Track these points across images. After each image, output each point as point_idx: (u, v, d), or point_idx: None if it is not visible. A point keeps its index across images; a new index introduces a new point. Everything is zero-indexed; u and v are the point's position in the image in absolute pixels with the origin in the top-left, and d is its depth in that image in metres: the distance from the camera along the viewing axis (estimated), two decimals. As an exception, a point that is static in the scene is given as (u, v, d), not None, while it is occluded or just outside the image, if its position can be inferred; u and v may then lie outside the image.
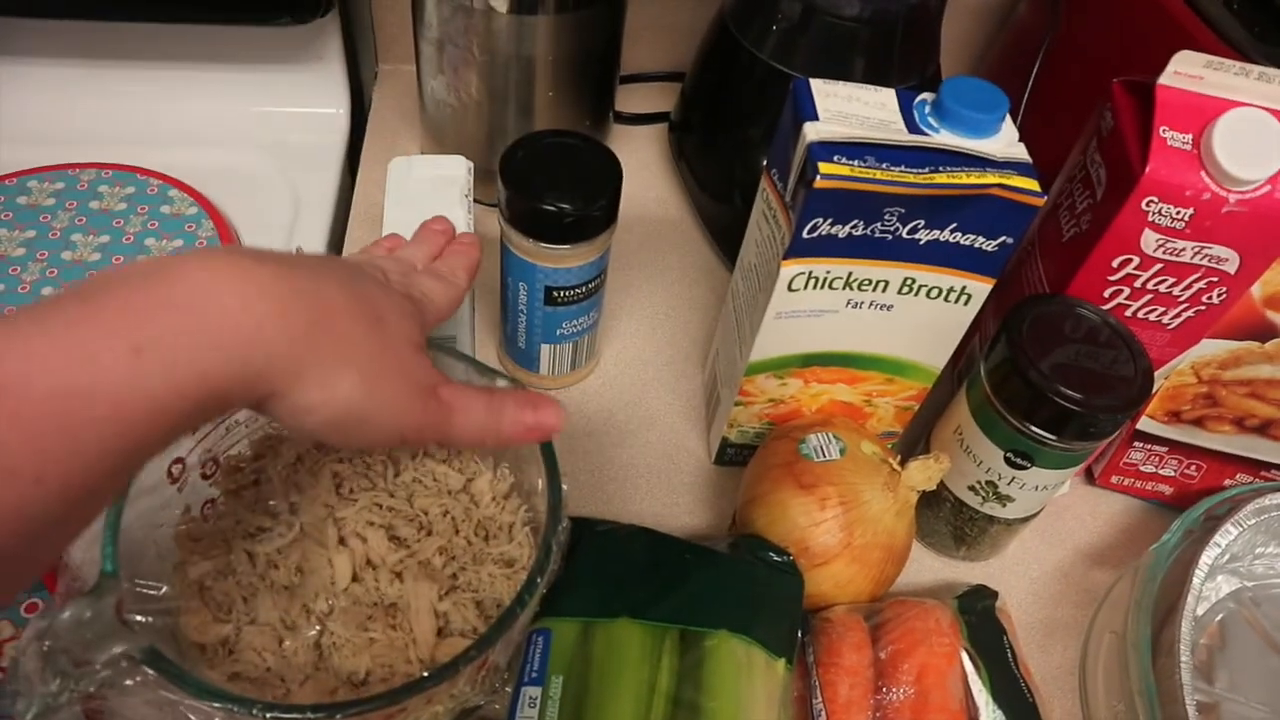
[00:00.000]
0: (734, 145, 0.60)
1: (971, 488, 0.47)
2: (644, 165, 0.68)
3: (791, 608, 0.42)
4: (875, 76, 0.57)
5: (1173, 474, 0.55)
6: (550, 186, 0.46)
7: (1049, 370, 0.42)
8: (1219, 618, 0.52)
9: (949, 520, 0.50)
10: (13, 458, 0.22)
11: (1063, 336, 0.44)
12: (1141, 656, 0.45)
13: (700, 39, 0.63)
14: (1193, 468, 0.55)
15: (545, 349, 0.53)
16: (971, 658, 0.43)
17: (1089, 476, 0.57)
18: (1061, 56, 0.61)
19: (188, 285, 0.26)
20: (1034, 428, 0.43)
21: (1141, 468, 0.55)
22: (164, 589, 0.36)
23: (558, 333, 0.52)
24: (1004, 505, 0.47)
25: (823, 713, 0.41)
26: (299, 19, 0.58)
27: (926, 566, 0.52)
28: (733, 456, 0.52)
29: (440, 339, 0.53)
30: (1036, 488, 0.46)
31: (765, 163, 0.44)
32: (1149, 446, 0.54)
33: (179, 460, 0.39)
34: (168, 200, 0.57)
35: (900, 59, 0.57)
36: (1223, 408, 0.52)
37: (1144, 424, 0.53)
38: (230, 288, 0.27)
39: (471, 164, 0.53)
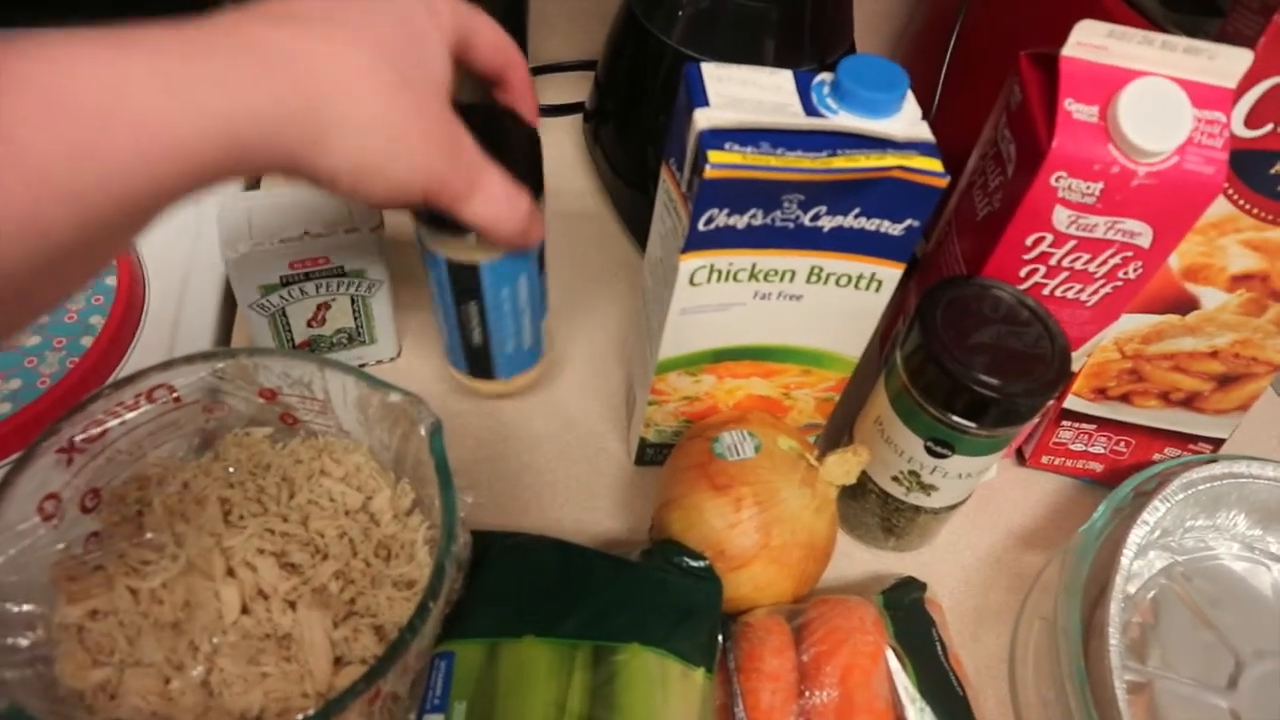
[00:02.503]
0: (647, 134, 0.59)
1: (895, 478, 0.46)
2: (561, 157, 0.66)
3: (709, 614, 0.41)
4: (787, 58, 0.55)
5: (1103, 451, 0.55)
6: None
7: (965, 356, 0.41)
8: (1151, 594, 0.52)
9: (876, 512, 0.49)
10: (44, 161, 0.22)
11: (978, 319, 0.43)
12: (1071, 642, 0.44)
13: (609, 26, 0.61)
14: (1122, 444, 0.54)
15: (544, 324, 0.50)
16: (897, 654, 0.42)
17: (1019, 458, 0.57)
18: (977, 31, 0.60)
19: (222, 38, 0.27)
20: (953, 416, 0.42)
21: (1071, 446, 0.55)
22: (32, 637, 0.34)
23: (546, 299, 0.49)
24: (929, 494, 0.46)
25: (745, 720, 0.40)
26: (197, 5, 0.56)
27: (857, 559, 0.51)
28: (652, 456, 0.51)
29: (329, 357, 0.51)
30: (960, 475, 0.45)
31: (663, 153, 0.43)
32: (1077, 425, 0.53)
33: (52, 496, 0.37)
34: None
35: (812, 39, 0.55)
36: (1148, 382, 0.51)
37: (1071, 402, 0.52)
38: (267, 37, 0.28)
39: None
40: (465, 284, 0.45)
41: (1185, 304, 0.48)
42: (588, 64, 0.68)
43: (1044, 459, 0.55)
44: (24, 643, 0.33)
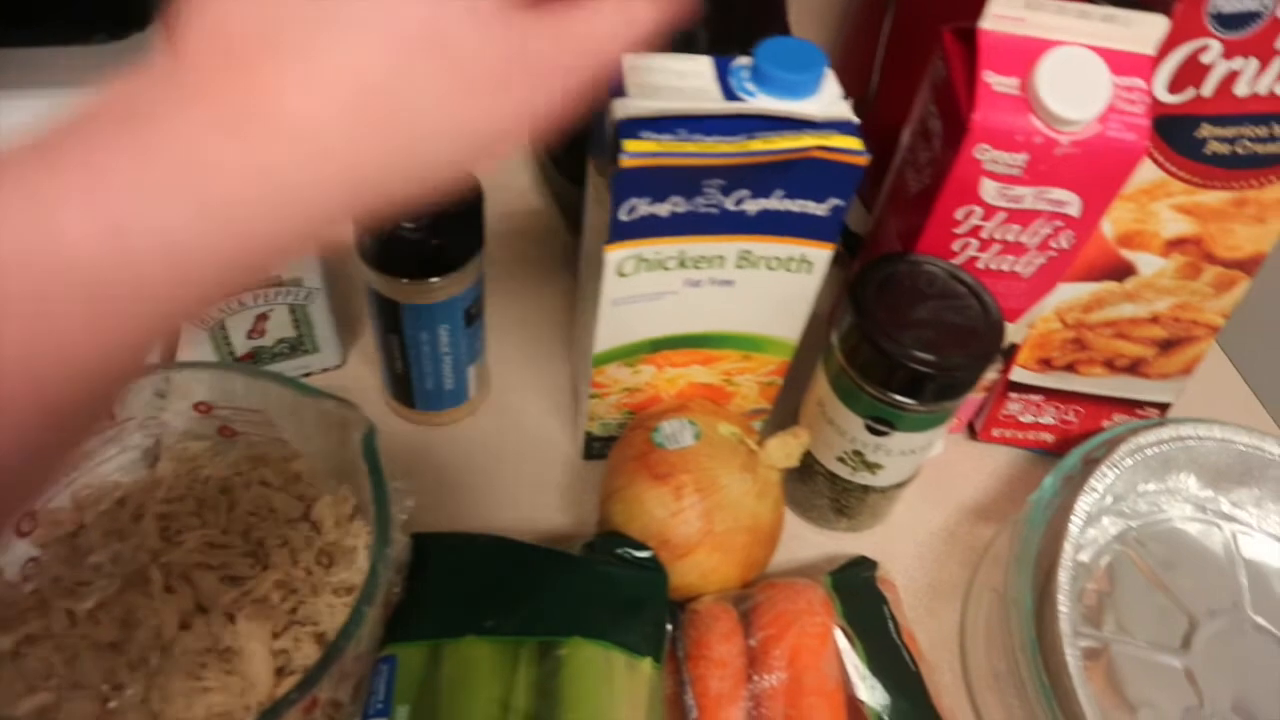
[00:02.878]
0: (586, 129, 0.58)
1: (840, 459, 0.46)
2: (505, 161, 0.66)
3: (655, 604, 0.41)
4: (719, 47, 0.55)
5: (1052, 421, 0.55)
6: (420, 223, 0.41)
7: (898, 333, 0.41)
8: (1106, 561, 0.52)
9: (825, 493, 0.49)
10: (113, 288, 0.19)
11: (910, 295, 0.43)
12: (1022, 612, 0.44)
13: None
14: (1071, 413, 0.55)
15: (472, 371, 0.51)
16: (846, 634, 0.42)
17: (971, 432, 0.57)
18: (911, 10, 0.60)
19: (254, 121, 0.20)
20: (890, 394, 0.42)
21: (1021, 418, 0.55)
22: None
23: (477, 348, 0.50)
24: (875, 473, 0.46)
25: (694, 709, 0.40)
26: (116, 35, 0.55)
27: (810, 542, 0.51)
28: (598, 450, 0.51)
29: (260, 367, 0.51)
30: (904, 452, 0.45)
31: (588, 147, 0.43)
32: (1025, 397, 0.54)
33: (-15, 519, 0.37)
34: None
35: (743, 27, 0.55)
36: (1092, 350, 0.52)
37: (1017, 374, 0.53)
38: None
39: None
40: (389, 317, 0.45)
41: (1122, 271, 0.48)
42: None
43: (994, 432, 0.56)
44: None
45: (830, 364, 0.44)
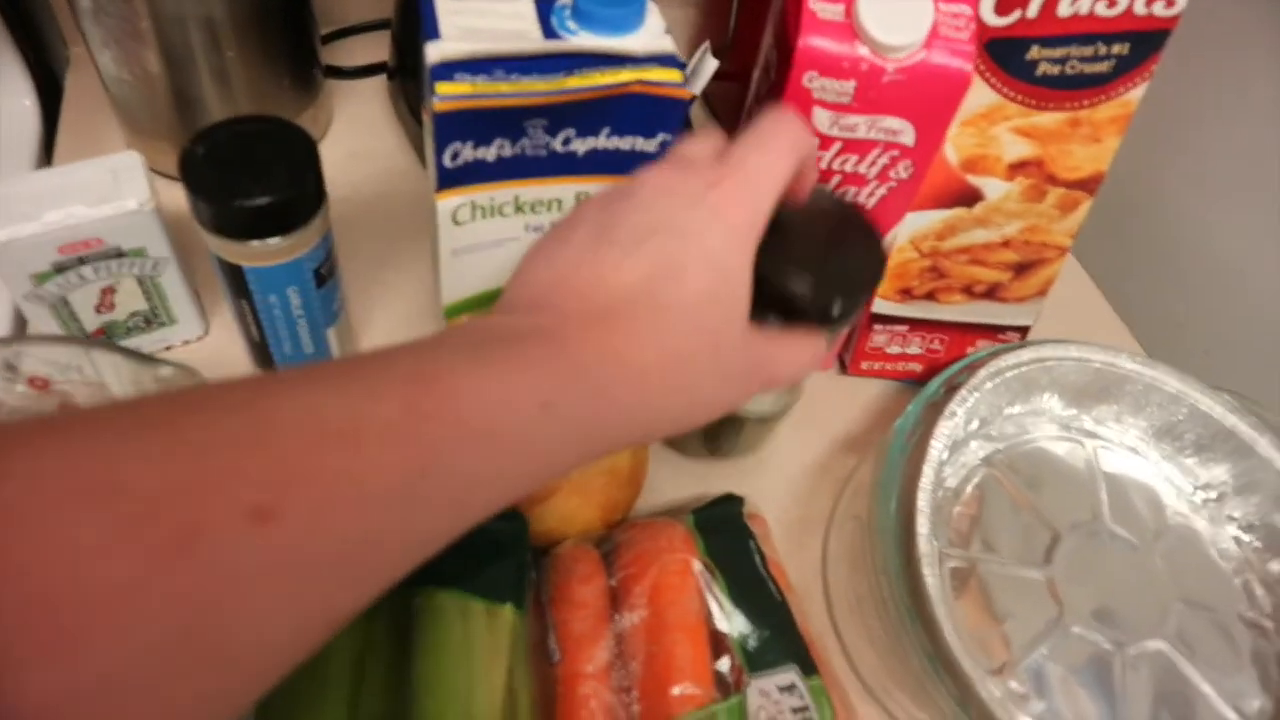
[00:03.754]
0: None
1: None
2: (370, 118, 0.65)
3: (514, 551, 0.41)
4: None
5: (919, 351, 0.56)
6: (251, 182, 0.41)
7: (773, 262, 0.39)
8: (974, 484, 0.53)
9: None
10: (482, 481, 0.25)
11: (790, 223, 0.41)
12: (885, 537, 0.45)
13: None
14: (936, 342, 0.56)
15: (332, 334, 0.50)
16: (708, 568, 0.43)
17: (841, 366, 0.58)
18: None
19: (599, 358, 0.27)
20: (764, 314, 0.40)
21: (888, 350, 0.56)
22: None
23: (334, 309, 0.49)
24: (749, 400, 0.45)
25: (557, 650, 0.40)
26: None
27: (682, 484, 0.51)
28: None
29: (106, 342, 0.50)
30: None
31: (420, 98, 0.42)
32: (889, 328, 0.55)
33: None
34: None
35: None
36: (949, 278, 0.53)
37: (879, 305, 0.53)
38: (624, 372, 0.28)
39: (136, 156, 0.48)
40: (235, 282, 0.44)
41: (970, 196, 0.49)
42: (383, 23, 0.67)
43: (864, 364, 0.57)
44: None
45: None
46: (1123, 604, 0.48)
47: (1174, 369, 0.52)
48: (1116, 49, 0.44)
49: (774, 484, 0.52)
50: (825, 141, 0.43)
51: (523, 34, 0.38)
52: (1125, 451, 0.55)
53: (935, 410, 0.50)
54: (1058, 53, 0.44)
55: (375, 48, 0.68)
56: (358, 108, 0.65)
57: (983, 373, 0.50)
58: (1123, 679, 0.46)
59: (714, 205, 0.30)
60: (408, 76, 0.62)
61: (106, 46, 0.54)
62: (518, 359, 0.26)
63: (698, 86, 0.49)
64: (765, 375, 0.33)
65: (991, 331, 0.55)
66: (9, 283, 0.45)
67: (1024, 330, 0.56)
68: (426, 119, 0.41)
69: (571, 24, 0.38)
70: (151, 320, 0.51)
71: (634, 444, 0.31)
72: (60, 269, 0.45)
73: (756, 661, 0.41)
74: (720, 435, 0.49)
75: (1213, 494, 0.53)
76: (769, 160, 0.31)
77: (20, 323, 0.53)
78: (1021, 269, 0.52)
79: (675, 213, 0.30)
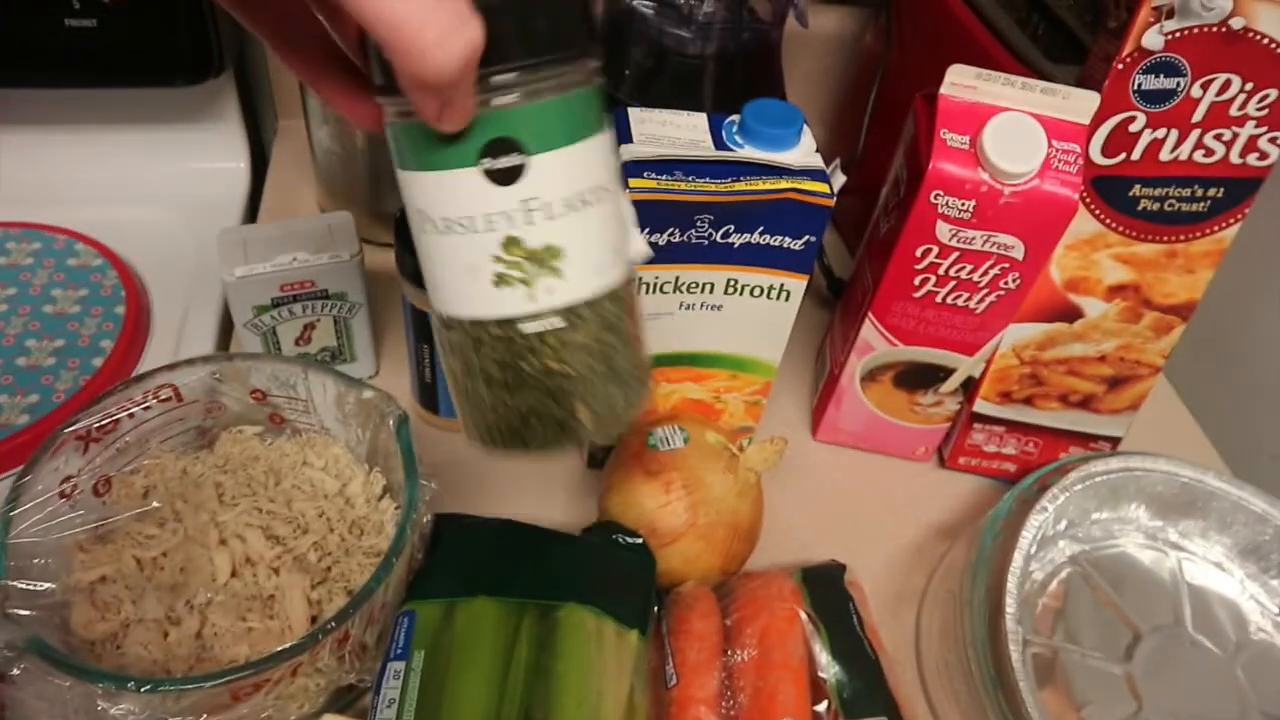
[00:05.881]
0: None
1: (500, 281, 0.28)
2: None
3: (644, 584, 0.47)
4: (724, 107, 0.62)
5: (1014, 452, 0.60)
6: None
7: None
8: (1059, 579, 0.57)
9: (531, 373, 0.31)
10: None
11: None
12: (974, 610, 0.49)
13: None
14: (1030, 444, 0.60)
15: None
16: (812, 619, 0.48)
17: (940, 461, 0.62)
18: (895, 79, 0.67)
19: None
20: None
21: (984, 448, 0.60)
22: (51, 587, 0.40)
23: None
24: (558, 273, 0.28)
25: (673, 675, 0.45)
26: (192, 80, 0.63)
27: (787, 548, 0.56)
28: (601, 459, 0.57)
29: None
30: (571, 202, 0.27)
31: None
32: (988, 427, 0.59)
33: (70, 478, 0.43)
34: (74, 254, 0.61)
35: (743, 90, 0.63)
36: (1047, 386, 0.57)
37: (980, 406, 0.58)
38: None
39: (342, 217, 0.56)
40: (421, 327, 0.52)
41: (1071, 313, 0.54)
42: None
43: (961, 460, 0.61)
44: (43, 587, 0.39)
45: (392, 131, 0.30)
46: (1202, 709, 0.51)
47: (1261, 490, 0.55)
48: (1213, 192, 0.49)
49: (871, 559, 0.56)
50: (945, 250, 0.49)
51: (697, 144, 0.45)
52: (1209, 566, 0.57)
53: (1028, 504, 0.54)
54: (1158, 192, 0.50)
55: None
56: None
57: (1074, 475, 0.54)
58: (1199, 780, 0.48)
59: None
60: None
61: (325, 123, 0.64)
62: None
63: (829, 197, 0.56)
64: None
65: (1084, 439, 0.60)
66: (236, 310, 0.53)
67: (1115, 441, 0.60)
68: (605, 205, 0.48)
69: (739, 138, 0.45)
70: (336, 356, 0.59)
71: None
72: (277, 304, 0.54)
73: (851, 709, 0.45)
74: (554, 373, 0.31)
75: (1296, 615, 0.55)
76: None
77: (223, 345, 0.62)
78: (1115, 383, 0.57)
79: None
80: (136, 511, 0.45)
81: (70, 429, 0.42)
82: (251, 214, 0.72)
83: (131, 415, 0.45)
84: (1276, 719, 0.50)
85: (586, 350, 0.31)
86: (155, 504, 0.45)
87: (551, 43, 0.28)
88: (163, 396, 0.45)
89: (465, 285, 0.30)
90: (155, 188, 0.69)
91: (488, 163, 0.28)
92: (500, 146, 0.28)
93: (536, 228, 0.29)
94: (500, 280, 0.29)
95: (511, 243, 0.29)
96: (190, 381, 0.46)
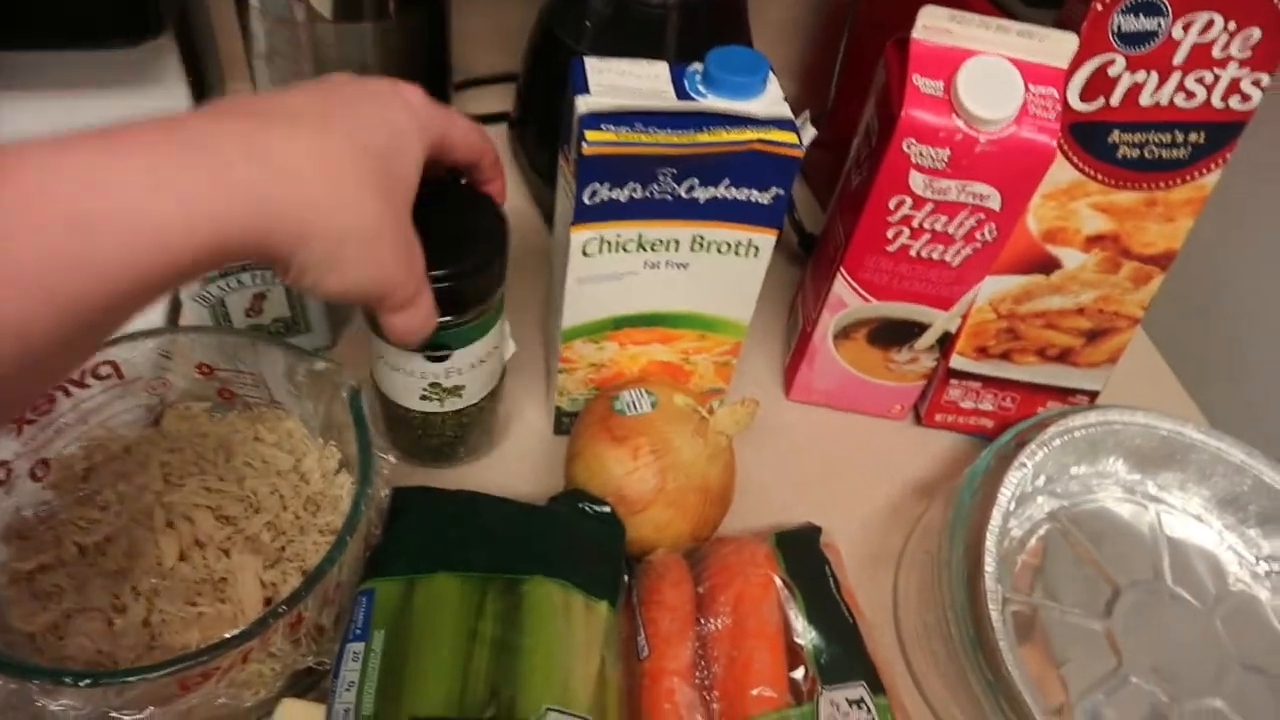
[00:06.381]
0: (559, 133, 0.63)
1: (424, 397, 0.47)
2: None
3: (612, 553, 0.45)
4: (688, 60, 0.60)
5: (991, 408, 0.59)
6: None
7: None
8: (1038, 536, 0.56)
9: (435, 433, 0.51)
10: (34, 266, 0.23)
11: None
12: (952, 571, 0.48)
13: (527, 39, 0.66)
14: (1008, 399, 0.59)
15: None
16: (786, 585, 0.46)
17: (916, 418, 0.61)
18: (866, 28, 0.65)
19: (210, 134, 0.28)
20: None
21: (961, 404, 0.59)
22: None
23: None
24: (461, 395, 0.48)
25: (646, 646, 0.44)
26: (130, 41, 0.60)
27: (763, 512, 0.54)
28: (567, 425, 0.55)
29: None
30: (474, 365, 0.47)
31: (560, 142, 0.47)
32: (964, 383, 0.58)
33: (3, 464, 0.41)
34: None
35: (707, 40, 0.60)
36: (1024, 340, 0.56)
37: (956, 362, 0.57)
38: (256, 135, 0.29)
39: None
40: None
41: (1048, 264, 0.53)
42: (510, 76, 0.73)
43: (937, 417, 0.60)
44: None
45: (372, 317, 0.43)
46: (1181, 661, 0.50)
47: (1240, 441, 0.55)
48: (1193, 137, 0.48)
49: (847, 521, 0.55)
50: (919, 201, 0.47)
51: (659, 94, 0.43)
52: (1188, 518, 0.57)
53: (1005, 461, 0.53)
54: (1137, 138, 0.48)
55: (500, 99, 0.75)
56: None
57: (1051, 430, 0.53)
58: (1179, 732, 0.48)
59: (406, 101, 0.36)
60: (529, 127, 0.68)
61: (272, 85, 0.61)
62: (130, 140, 0.26)
63: (799, 150, 0.54)
64: (416, 287, 0.37)
65: (1061, 394, 0.58)
66: (182, 283, 0.51)
67: (1093, 395, 0.59)
68: (565, 162, 0.46)
69: (701, 87, 0.43)
70: (290, 327, 0.56)
71: (291, 236, 0.30)
72: (225, 273, 0.51)
73: (829, 674, 0.44)
74: (456, 433, 0.51)
75: (1276, 565, 0.55)
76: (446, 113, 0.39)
77: (173, 321, 0.59)
78: (1093, 336, 0.56)
79: (370, 88, 0.36)
80: (77, 495, 0.42)
81: None
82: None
83: (69, 394, 0.42)
84: (1256, 669, 0.50)
85: (466, 424, 0.51)
86: (97, 487, 0.42)
87: (476, 301, 0.44)
88: (102, 374, 0.43)
89: (402, 392, 0.48)
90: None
91: (427, 353, 0.45)
92: (435, 346, 0.44)
93: (450, 379, 0.47)
94: (424, 397, 0.48)
95: (434, 385, 0.47)
96: (131, 358, 0.44)
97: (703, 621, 0.45)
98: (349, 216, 0.32)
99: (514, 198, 0.69)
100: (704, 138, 0.41)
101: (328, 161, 0.31)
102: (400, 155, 0.35)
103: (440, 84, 0.67)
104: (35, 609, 0.39)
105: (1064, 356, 0.56)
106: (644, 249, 0.46)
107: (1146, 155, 0.49)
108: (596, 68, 0.43)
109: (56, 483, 0.43)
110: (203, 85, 0.73)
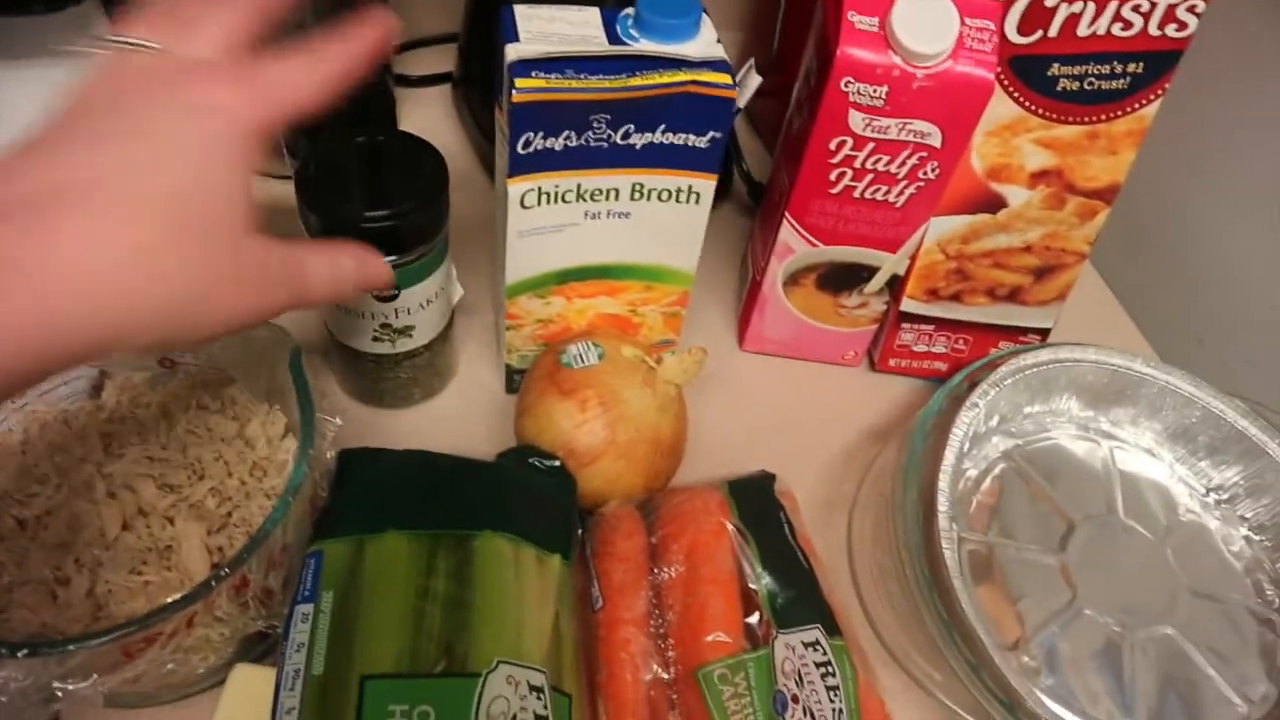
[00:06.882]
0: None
1: (375, 338, 0.49)
2: (433, 124, 0.70)
3: (564, 507, 0.45)
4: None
5: (944, 350, 0.59)
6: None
7: (347, 204, 0.43)
8: (993, 475, 0.56)
9: (388, 375, 0.52)
10: None
11: (353, 167, 0.46)
12: (906, 513, 0.48)
13: (466, -3, 0.65)
14: (960, 341, 0.59)
15: None
16: (740, 532, 0.46)
17: (871, 363, 0.61)
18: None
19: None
20: None
21: (914, 348, 0.59)
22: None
23: None
24: (412, 335, 0.50)
25: (599, 598, 0.44)
26: (53, 6, 0.58)
27: (717, 462, 0.54)
28: (518, 383, 0.55)
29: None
30: (422, 304, 0.48)
31: (495, 95, 0.46)
32: (916, 326, 0.58)
33: (-63, 440, 0.40)
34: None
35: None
36: (974, 280, 0.56)
37: (906, 305, 0.57)
38: (13, 260, 0.25)
39: None
40: None
41: (994, 203, 0.53)
42: (452, 36, 0.72)
43: (891, 361, 0.60)
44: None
45: None
46: (1134, 592, 0.51)
47: (1189, 374, 0.55)
48: (1132, 67, 0.48)
49: (803, 468, 0.55)
50: (859, 141, 0.47)
51: (590, 39, 0.42)
52: (1140, 453, 0.57)
53: (958, 401, 0.53)
54: (1077, 70, 0.48)
55: (441, 60, 0.74)
56: (422, 113, 0.71)
57: (1004, 369, 0.53)
58: (1132, 660, 0.48)
59: (205, 100, 0.29)
60: (472, 86, 0.67)
61: (206, 50, 0.59)
62: None
63: (743, 99, 0.53)
64: (297, 286, 0.33)
65: (1013, 333, 0.59)
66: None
67: (1044, 333, 0.59)
68: (500, 115, 0.45)
69: (634, 31, 0.42)
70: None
71: (104, 347, 0.27)
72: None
73: (784, 619, 0.44)
74: (410, 374, 0.53)
75: (1224, 495, 0.55)
76: (290, 69, 0.32)
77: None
78: (1042, 273, 0.56)
79: (158, 99, 0.29)
80: (15, 469, 0.42)
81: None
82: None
83: (1, 368, 0.42)
84: (1206, 595, 0.51)
85: (419, 365, 0.53)
86: (34, 460, 0.42)
87: (419, 240, 0.46)
88: (34, 345, 0.42)
89: (354, 335, 0.49)
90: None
91: (376, 292, 0.46)
92: None
93: (399, 319, 0.48)
94: (375, 339, 0.49)
95: (384, 325, 0.49)
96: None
97: (656, 571, 0.45)
98: (166, 294, 0.27)
99: (459, 159, 0.69)
100: (636, 81, 0.41)
101: (116, 245, 0.26)
102: (212, 172, 0.29)
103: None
104: (-25, 584, 0.38)
105: (1014, 295, 0.57)
106: (583, 199, 0.45)
107: (1086, 87, 0.49)
108: (526, 15, 0.43)
109: (-8, 458, 0.42)
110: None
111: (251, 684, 0.39)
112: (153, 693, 0.40)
